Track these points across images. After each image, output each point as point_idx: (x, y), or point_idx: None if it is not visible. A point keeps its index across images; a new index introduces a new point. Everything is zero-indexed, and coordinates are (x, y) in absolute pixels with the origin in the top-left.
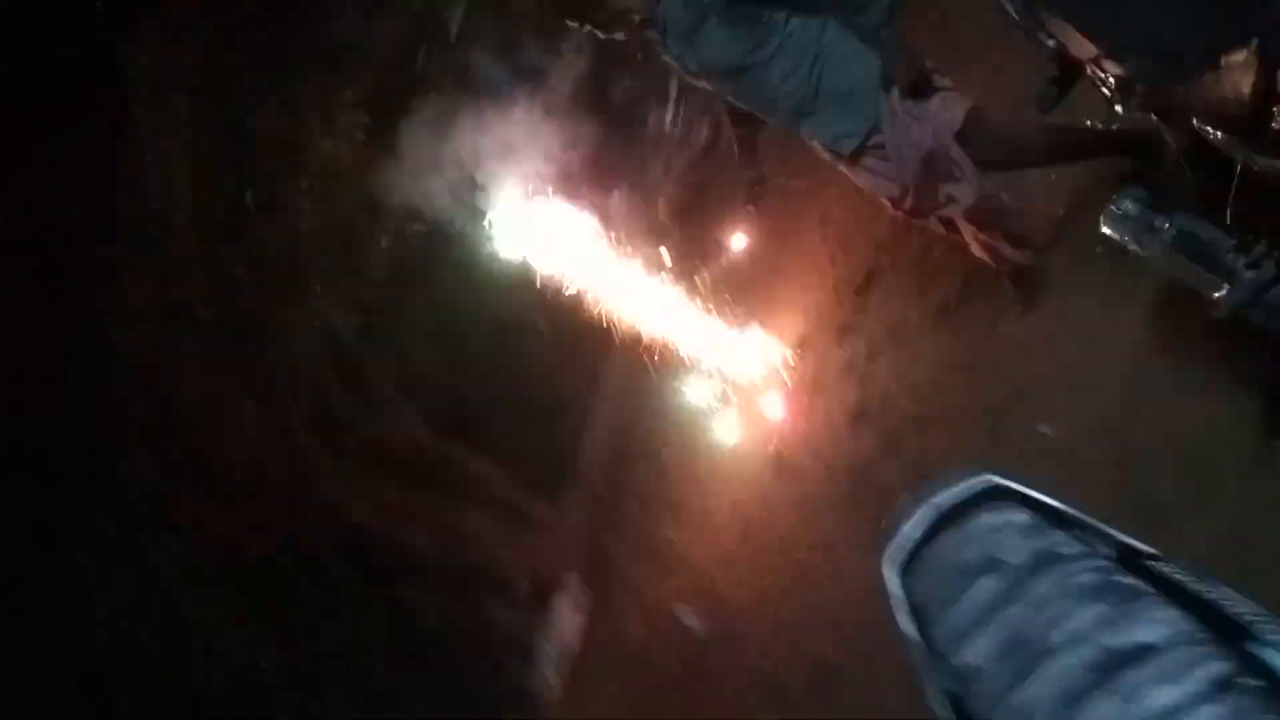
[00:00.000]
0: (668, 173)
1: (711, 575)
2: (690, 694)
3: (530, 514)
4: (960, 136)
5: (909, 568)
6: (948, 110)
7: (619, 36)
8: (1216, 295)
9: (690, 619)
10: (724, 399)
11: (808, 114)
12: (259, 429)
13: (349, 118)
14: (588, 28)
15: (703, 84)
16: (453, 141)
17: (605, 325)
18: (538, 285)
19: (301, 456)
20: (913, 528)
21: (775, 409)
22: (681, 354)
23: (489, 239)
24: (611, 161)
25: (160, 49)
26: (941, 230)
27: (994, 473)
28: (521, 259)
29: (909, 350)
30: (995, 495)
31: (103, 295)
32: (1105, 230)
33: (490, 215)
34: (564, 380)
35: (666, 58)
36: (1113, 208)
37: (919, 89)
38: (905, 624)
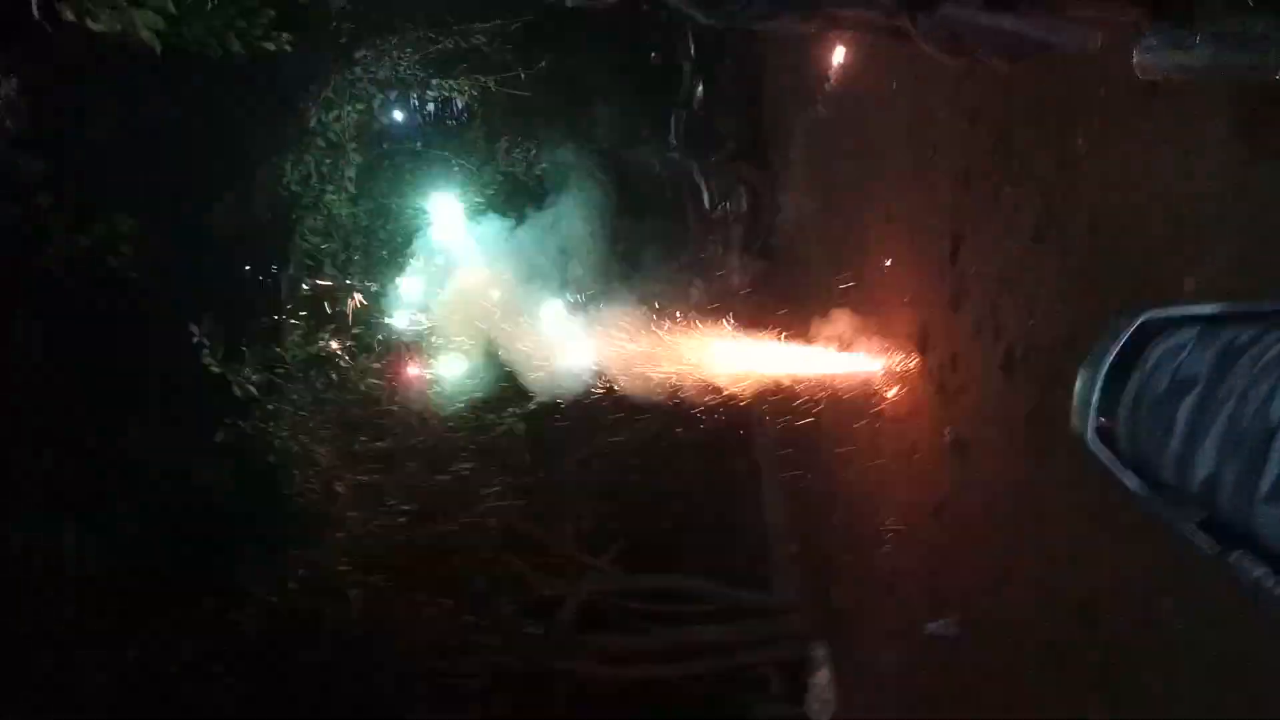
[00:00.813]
0: (728, 248)
1: (946, 582)
2: (978, 696)
3: (751, 606)
4: None
5: (1111, 434)
6: None
7: None
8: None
9: (942, 628)
10: (875, 415)
11: None
12: (490, 637)
13: None
14: None
15: None
16: None
17: (737, 402)
18: (657, 399)
19: (524, 644)
20: (1097, 395)
21: (928, 398)
22: (819, 389)
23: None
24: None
25: None
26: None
27: (1146, 310)
28: (636, 381)
29: (1024, 284)
30: (1157, 329)
31: None
32: (1144, 73)
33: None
34: (722, 471)
35: None
36: (1143, 48)
37: None
38: (1133, 484)
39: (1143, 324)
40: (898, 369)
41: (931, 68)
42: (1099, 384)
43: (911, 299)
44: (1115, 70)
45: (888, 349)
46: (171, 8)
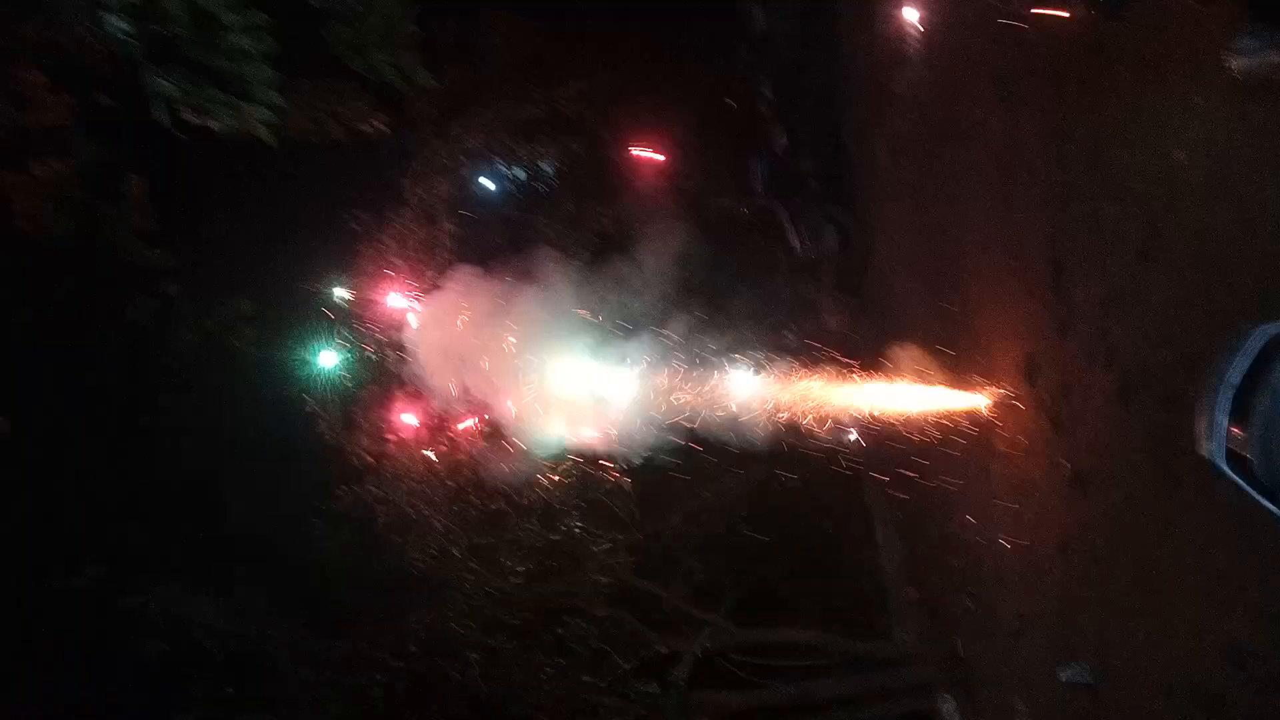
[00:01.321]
0: (820, 289)
1: (1076, 624)
2: None
3: (872, 656)
4: None
5: (1244, 457)
6: None
7: None
8: None
9: (1077, 674)
10: (988, 453)
11: None
12: (606, 697)
13: None
14: None
15: None
16: None
17: (843, 445)
18: (760, 446)
19: (640, 703)
20: (1225, 416)
21: (1042, 432)
22: (926, 429)
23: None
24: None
25: None
26: None
27: (1269, 323)
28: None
29: (1134, 306)
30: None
31: None
32: (1243, 77)
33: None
34: (833, 518)
35: None
36: (1239, 50)
37: None
38: (1271, 507)
39: (1270, 339)
40: (1007, 404)
41: (1018, 89)
42: (1226, 405)
43: (1015, 330)
44: (1211, 76)
45: (995, 383)
46: (280, 101)
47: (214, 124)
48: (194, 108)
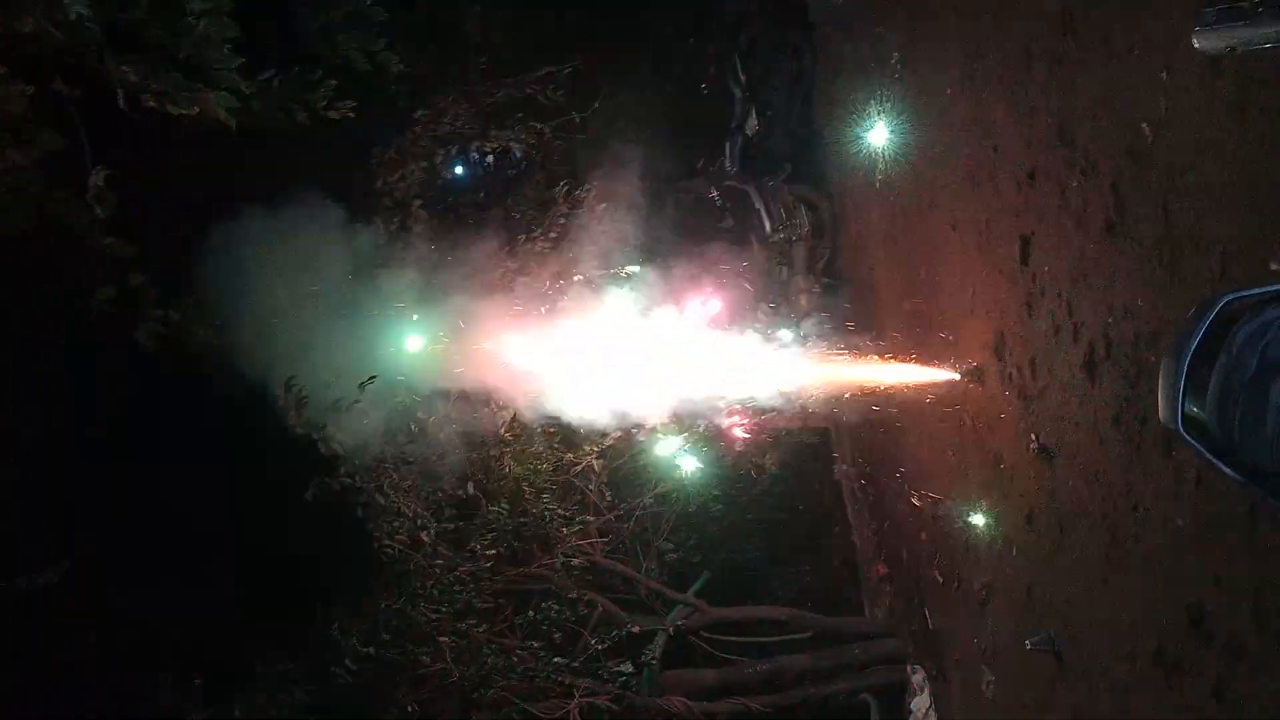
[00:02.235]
0: (793, 269)
1: (1042, 593)
2: (1088, 711)
3: (844, 631)
4: None
5: (1201, 422)
6: None
7: None
8: None
9: (1043, 642)
10: (956, 427)
11: None
12: (581, 678)
13: None
14: None
15: None
16: None
17: (813, 423)
18: (731, 425)
19: (615, 682)
20: (1182, 383)
21: (1009, 405)
22: (896, 405)
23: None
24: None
25: None
26: None
27: (1228, 292)
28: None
29: (1100, 280)
30: (1240, 311)
31: None
32: (1204, 47)
33: None
34: (804, 495)
35: None
36: (1202, 23)
37: None
38: (1228, 471)
39: (1225, 307)
40: (975, 378)
41: (985, 70)
42: (1183, 372)
43: (984, 306)
44: (1176, 50)
45: (963, 358)
46: (243, 87)
47: (176, 110)
48: (155, 94)
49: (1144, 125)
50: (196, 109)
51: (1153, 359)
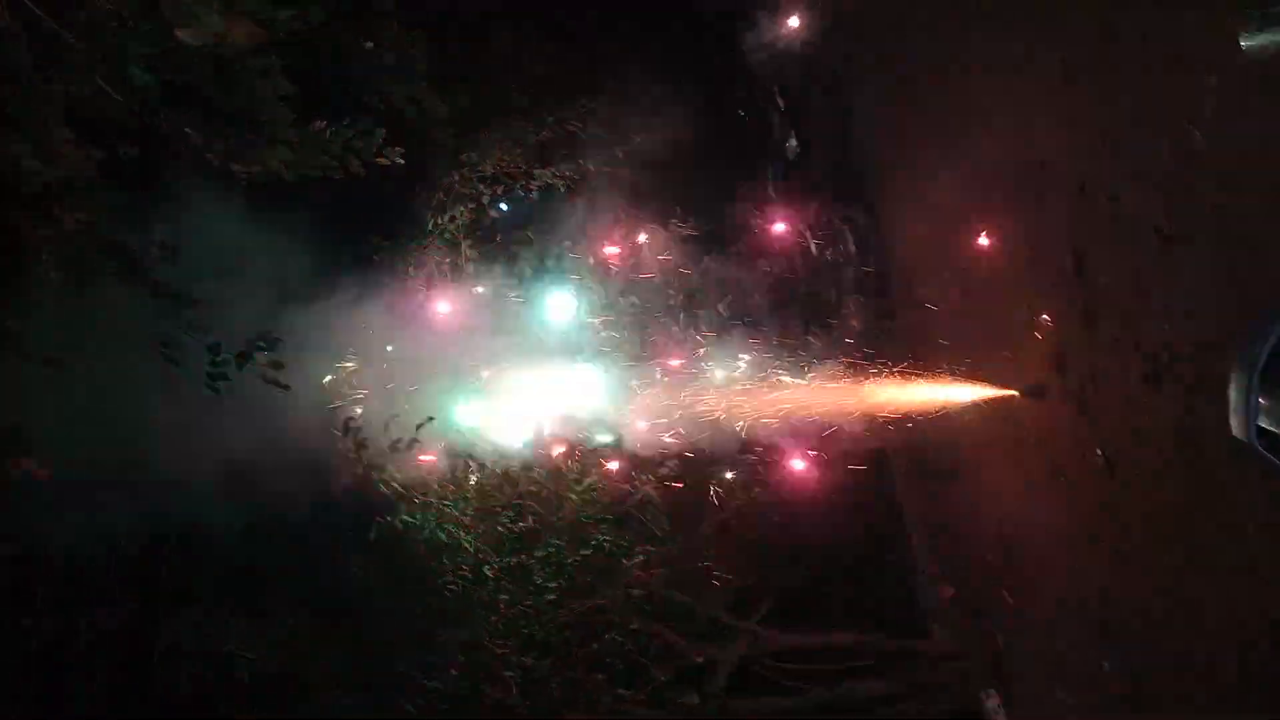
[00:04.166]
0: (841, 290)
1: (1115, 612)
2: None
3: (911, 655)
4: None
5: (1268, 433)
6: None
7: None
8: None
9: (1116, 664)
10: (1018, 443)
11: None
12: (646, 709)
13: None
14: None
15: None
16: None
17: (871, 444)
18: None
19: (679, 713)
20: (1255, 396)
21: (1071, 420)
22: (954, 423)
23: None
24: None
25: None
26: None
27: None
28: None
29: (1158, 290)
30: None
31: None
32: (1255, 54)
33: None
34: (865, 516)
35: None
36: (1251, 28)
37: None
38: None
39: None
40: (1035, 394)
41: (1027, 81)
42: (1255, 383)
43: (1039, 321)
44: (1223, 53)
45: (1021, 374)
46: (298, 140)
47: (236, 166)
48: (216, 152)
49: (1194, 130)
50: (258, 166)
51: (1217, 368)
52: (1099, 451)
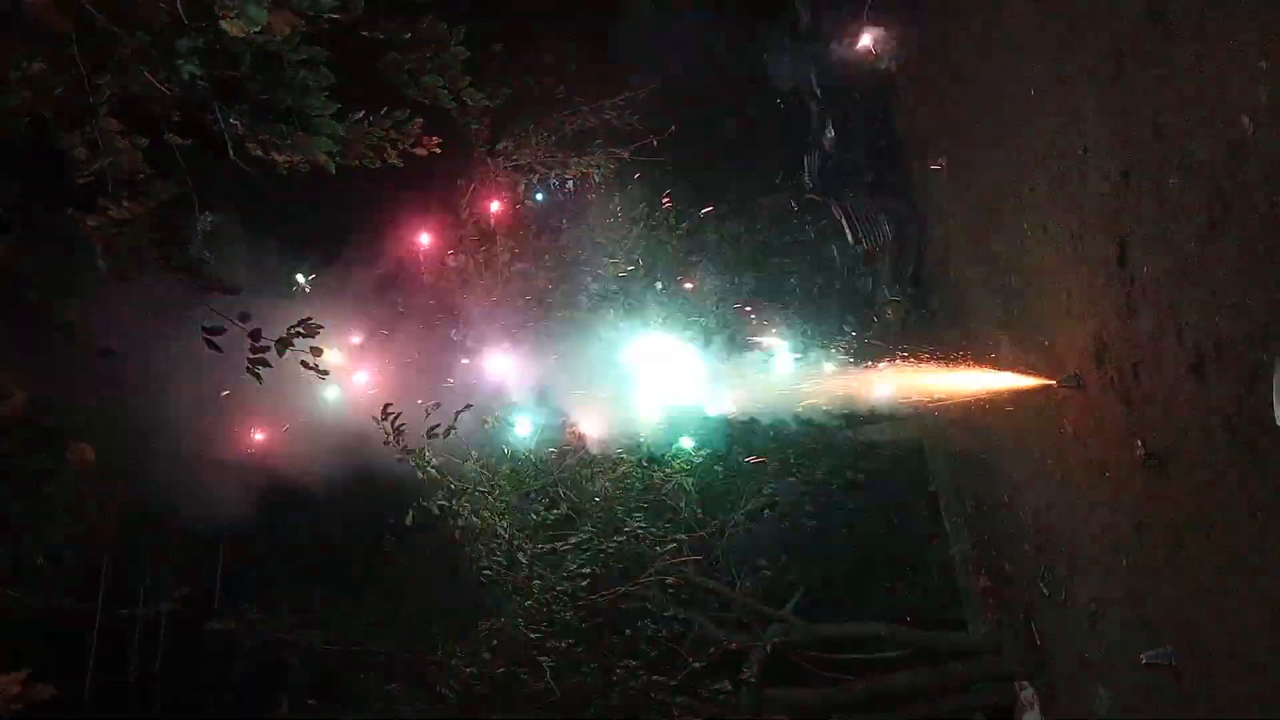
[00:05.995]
0: (878, 280)
1: (1156, 604)
2: None
3: (947, 648)
4: None
5: None
6: None
7: None
8: None
9: (1159, 657)
10: (1058, 435)
11: None
12: (678, 696)
13: None
14: None
15: None
16: None
17: (909, 434)
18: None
19: (713, 701)
20: None
21: (1113, 412)
22: (994, 414)
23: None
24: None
25: None
26: None
27: None
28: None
29: (1204, 278)
30: None
31: None
32: None
33: None
34: (900, 507)
35: None
36: None
37: None
38: None
39: None
40: (1074, 384)
41: (1072, 69)
42: None
43: (1081, 310)
44: (1275, 38)
45: (1061, 364)
46: (341, 131)
47: (280, 157)
48: (260, 143)
49: (1244, 117)
50: (300, 156)
51: (1265, 358)
52: (1140, 443)
